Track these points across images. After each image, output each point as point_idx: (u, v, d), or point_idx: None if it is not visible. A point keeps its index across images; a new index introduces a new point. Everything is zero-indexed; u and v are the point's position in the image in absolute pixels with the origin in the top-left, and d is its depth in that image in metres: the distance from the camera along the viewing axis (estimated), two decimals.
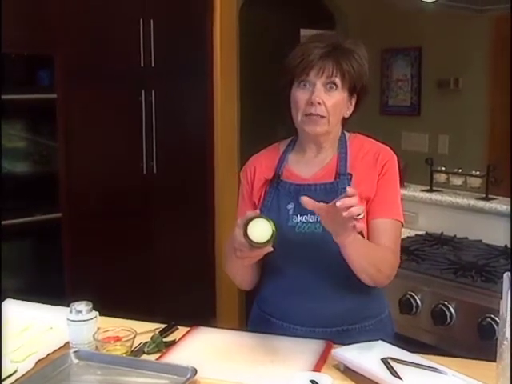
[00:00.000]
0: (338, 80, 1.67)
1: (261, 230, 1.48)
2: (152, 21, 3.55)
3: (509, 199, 2.93)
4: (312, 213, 1.66)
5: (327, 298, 1.72)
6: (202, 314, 2.84)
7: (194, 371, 1.48)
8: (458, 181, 3.08)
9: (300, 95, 1.68)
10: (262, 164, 1.84)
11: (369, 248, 1.67)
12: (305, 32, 5.81)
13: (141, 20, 3.51)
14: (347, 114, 1.76)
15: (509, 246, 2.74)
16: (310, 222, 1.70)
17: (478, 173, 3.03)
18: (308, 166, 1.78)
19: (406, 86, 4.64)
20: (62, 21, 3.23)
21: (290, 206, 1.73)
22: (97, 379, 1.54)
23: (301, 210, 1.68)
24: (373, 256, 1.66)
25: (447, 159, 3.76)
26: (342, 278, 1.68)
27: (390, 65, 4.74)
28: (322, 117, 1.67)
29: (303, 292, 1.73)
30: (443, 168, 3.17)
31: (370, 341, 1.63)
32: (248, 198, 1.83)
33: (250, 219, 1.49)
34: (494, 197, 2.98)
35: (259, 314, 1.86)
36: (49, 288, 2.73)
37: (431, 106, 4.55)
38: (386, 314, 1.85)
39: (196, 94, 3.86)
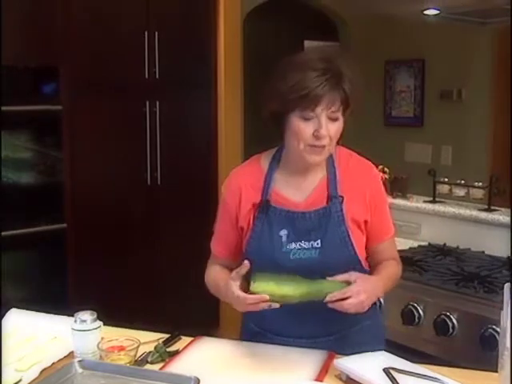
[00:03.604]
0: (336, 112, 1.63)
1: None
2: (156, 33, 3.58)
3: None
4: (306, 239, 1.69)
5: (325, 313, 1.64)
6: (205, 323, 2.85)
7: (197, 381, 1.49)
8: (460, 192, 3.09)
9: (304, 127, 1.62)
10: (248, 185, 1.77)
11: (389, 279, 1.76)
12: (309, 44, 5.84)
13: (145, 32, 3.54)
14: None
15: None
16: (305, 249, 1.69)
17: (480, 184, 3.03)
18: (298, 189, 1.75)
19: (409, 98, 4.66)
20: (67, 33, 3.27)
21: (283, 233, 1.71)
22: None
23: (295, 236, 1.70)
24: (393, 279, 1.78)
25: (450, 170, 3.77)
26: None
27: (393, 76, 4.76)
28: (325, 146, 1.65)
29: (299, 310, 1.66)
30: (446, 179, 3.18)
31: (369, 345, 1.66)
32: (232, 223, 1.79)
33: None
34: (497, 208, 2.98)
35: (253, 330, 1.85)
36: (53, 298, 2.75)
37: (434, 118, 4.57)
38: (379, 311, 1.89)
39: (200, 106, 3.88)
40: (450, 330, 2.28)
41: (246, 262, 1.62)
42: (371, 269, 1.81)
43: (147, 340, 1.75)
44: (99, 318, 1.69)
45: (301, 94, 1.59)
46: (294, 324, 1.75)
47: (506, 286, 1.53)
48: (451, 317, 2.29)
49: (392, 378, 1.48)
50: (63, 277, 3.33)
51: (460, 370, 1.69)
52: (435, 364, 1.69)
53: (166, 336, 1.81)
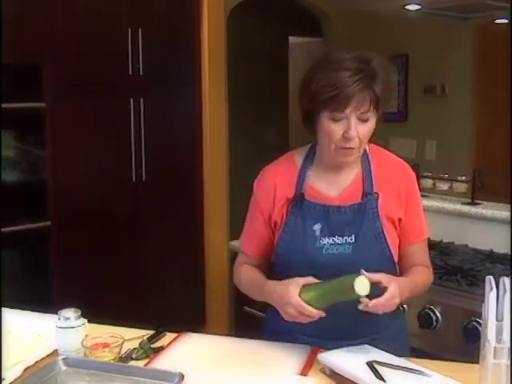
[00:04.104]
0: (367, 113, 1.60)
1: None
2: (140, 30, 3.56)
3: (495, 204, 2.97)
4: (340, 234, 1.68)
5: (353, 313, 1.61)
6: (192, 320, 2.84)
7: (181, 377, 1.49)
8: (444, 186, 3.11)
9: (334, 128, 1.61)
10: (282, 181, 1.77)
11: (416, 286, 1.73)
12: (293, 40, 5.85)
13: (129, 29, 3.52)
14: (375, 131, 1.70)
15: (494, 250, 2.77)
16: (338, 244, 1.68)
17: (463, 178, 3.05)
18: (333, 184, 1.74)
19: (394, 93, 4.67)
20: (50, 30, 3.25)
21: (317, 227, 1.70)
22: None
23: (329, 231, 1.69)
24: (420, 286, 1.76)
25: (434, 165, 3.79)
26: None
27: None
28: (354, 148, 1.64)
29: (331, 310, 1.64)
30: (430, 174, 3.20)
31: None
32: (265, 221, 1.78)
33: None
34: (480, 202, 3.01)
35: (279, 326, 1.77)
36: (36, 296, 2.73)
37: (418, 113, 4.59)
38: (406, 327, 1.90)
39: (185, 102, 3.88)
40: (434, 323, 2.30)
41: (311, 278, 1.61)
42: (401, 273, 1.78)
43: (132, 337, 1.76)
44: (84, 316, 1.69)
45: (331, 95, 1.57)
46: (321, 324, 1.66)
47: (487, 278, 1.55)
48: (435, 310, 2.31)
49: (375, 372, 1.49)
50: (47, 275, 3.31)
51: (443, 362, 1.71)
52: (419, 357, 1.70)
53: (151, 332, 1.81)
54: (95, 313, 1.73)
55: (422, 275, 1.77)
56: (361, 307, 1.54)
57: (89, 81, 3.43)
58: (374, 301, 1.53)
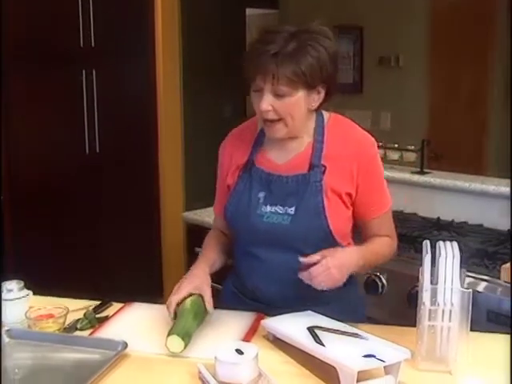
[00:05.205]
0: (283, 87, 1.58)
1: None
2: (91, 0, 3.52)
3: (444, 173, 3.01)
4: (282, 204, 1.69)
5: (293, 283, 1.66)
6: (148, 293, 2.85)
7: (125, 345, 1.52)
8: (394, 155, 3.14)
9: (255, 100, 1.64)
10: (239, 145, 1.80)
11: (373, 254, 1.76)
12: (250, 11, 5.81)
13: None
14: (313, 105, 1.67)
15: (442, 217, 2.83)
16: (278, 213, 1.70)
17: (412, 147, 3.10)
18: (282, 151, 1.74)
19: (349, 64, 4.69)
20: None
21: (261, 195, 1.72)
22: (28, 356, 1.55)
23: (271, 199, 1.71)
24: (381, 255, 1.80)
25: (389, 135, 3.82)
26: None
27: None
28: (279, 120, 1.63)
29: (269, 275, 1.73)
30: (380, 143, 3.23)
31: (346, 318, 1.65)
32: (222, 181, 1.83)
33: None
34: (429, 171, 3.06)
35: (232, 292, 1.87)
36: None
37: (373, 84, 4.62)
38: (358, 294, 1.93)
39: (138, 73, 3.85)
40: (380, 289, 2.35)
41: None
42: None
43: (78, 307, 1.76)
44: (36, 289, 1.70)
45: (248, 64, 1.61)
46: (268, 292, 1.75)
47: (424, 242, 1.59)
48: (381, 277, 2.36)
49: (315, 336, 1.52)
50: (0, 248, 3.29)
51: (385, 326, 1.76)
52: (366, 322, 1.75)
53: (97, 303, 1.82)
54: (49, 287, 1.74)
55: (381, 245, 1.79)
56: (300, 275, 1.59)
57: (40, 52, 3.40)
58: (305, 272, 1.58)
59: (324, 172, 1.69)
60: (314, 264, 1.58)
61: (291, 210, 1.69)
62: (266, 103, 1.60)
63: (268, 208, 1.71)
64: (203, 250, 1.87)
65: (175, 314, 1.60)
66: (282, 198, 1.71)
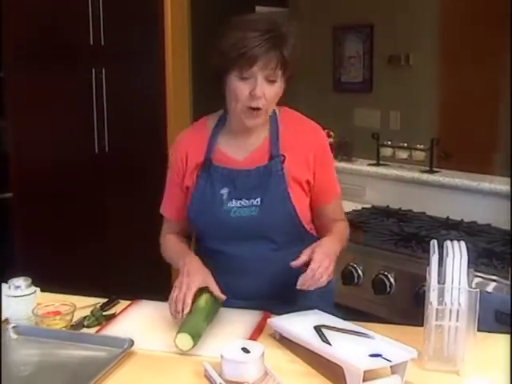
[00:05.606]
0: (279, 72, 1.64)
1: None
2: None
3: (453, 172, 3.01)
4: (247, 197, 1.72)
5: (267, 274, 1.76)
6: (156, 290, 2.85)
7: (131, 343, 1.52)
8: (403, 154, 3.14)
9: (241, 87, 1.64)
10: (193, 146, 1.82)
11: (342, 239, 1.79)
12: (260, 9, 5.80)
13: None
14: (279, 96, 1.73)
15: (450, 217, 2.82)
16: (245, 207, 1.73)
17: (422, 146, 3.09)
18: (241, 148, 1.78)
19: (359, 63, 4.67)
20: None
21: (224, 191, 1.75)
22: (35, 353, 1.55)
23: (235, 194, 1.73)
24: (346, 240, 1.84)
25: (399, 135, 3.81)
26: (282, 254, 1.72)
27: (342, 42, 4.77)
28: (260, 108, 1.66)
29: (242, 269, 1.77)
30: (389, 142, 3.23)
31: (309, 308, 1.69)
32: (180, 185, 1.83)
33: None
34: (438, 170, 3.05)
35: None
36: None
37: (383, 83, 4.59)
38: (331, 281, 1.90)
39: (148, 72, 3.83)
40: (388, 288, 2.34)
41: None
42: (318, 230, 1.85)
43: (85, 305, 1.77)
44: (45, 288, 1.71)
45: (239, 53, 1.61)
46: (237, 286, 1.77)
47: (431, 242, 1.58)
48: (389, 276, 2.35)
49: (321, 335, 1.52)
50: (9, 247, 3.30)
51: (392, 325, 1.75)
52: (372, 321, 1.74)
53: (104, 301, 1.82)
54: (57, 285, 1.74)
55: (343, 230, 1.84)
56: (299, 286, 1.61)
57: (50, 50, 3.38)
58: (302, 276, 1.60)
59: (283, 161, 1.74)
60: (306, 264, 1.61)
61: (257, 202, 1.73)
62: (261, 89, 1.63)
63: (233, 203, 1.74)
64: (172, 248, 1.89)
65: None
66: (246, 191, 1.74)
